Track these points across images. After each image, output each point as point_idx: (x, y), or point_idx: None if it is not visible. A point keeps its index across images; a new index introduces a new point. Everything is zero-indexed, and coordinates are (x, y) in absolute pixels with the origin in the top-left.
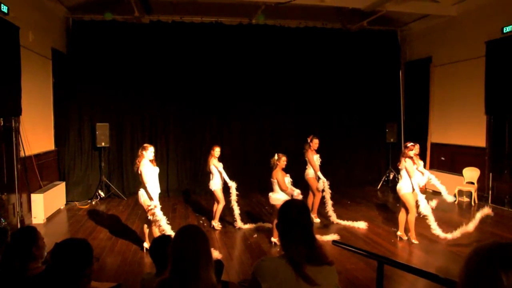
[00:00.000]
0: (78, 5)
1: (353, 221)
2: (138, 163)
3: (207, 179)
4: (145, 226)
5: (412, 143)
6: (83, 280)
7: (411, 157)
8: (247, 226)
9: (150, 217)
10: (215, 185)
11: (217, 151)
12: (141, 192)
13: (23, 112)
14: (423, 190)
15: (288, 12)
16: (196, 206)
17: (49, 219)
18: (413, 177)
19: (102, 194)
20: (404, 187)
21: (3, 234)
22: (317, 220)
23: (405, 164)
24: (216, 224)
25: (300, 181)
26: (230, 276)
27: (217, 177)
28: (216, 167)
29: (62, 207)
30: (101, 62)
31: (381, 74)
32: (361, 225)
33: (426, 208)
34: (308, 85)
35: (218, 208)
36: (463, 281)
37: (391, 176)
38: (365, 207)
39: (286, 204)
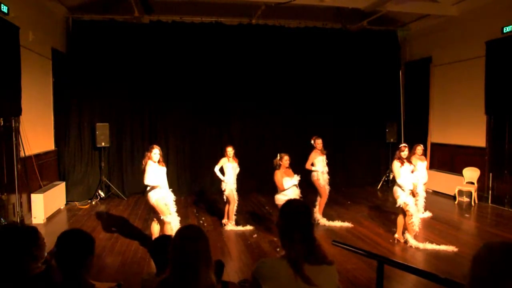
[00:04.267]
0: (78, 5)
1: (342, 221)
2: (144, 163)
3: (207, 179)
4: (154, 224)
5: (404, 144)
6: (84, 269)
7: (401, 159)
8: (248, 227)
9: (162, 217)
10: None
11: (228, 151)
12: (152, 193)
13: (23, 112)
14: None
15: (288, 12)
16: (196, 206)
17: (49, 219)
18: (399, 179)
19: (102, 194)
20: (399, 190)
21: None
22: (323, 219)
23: (393, 165)
24: (231, 222)
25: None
26: (230, 276)
27: (227, 177)
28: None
29: (62, 207)
30: (101, 62)
31: (381, 74)
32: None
33: (412, 207)
34: (308, 85)
35: (230, 208)
36: (475, 281)
37: (391, 176)
38: (365, 207)
39: (286, 204)
